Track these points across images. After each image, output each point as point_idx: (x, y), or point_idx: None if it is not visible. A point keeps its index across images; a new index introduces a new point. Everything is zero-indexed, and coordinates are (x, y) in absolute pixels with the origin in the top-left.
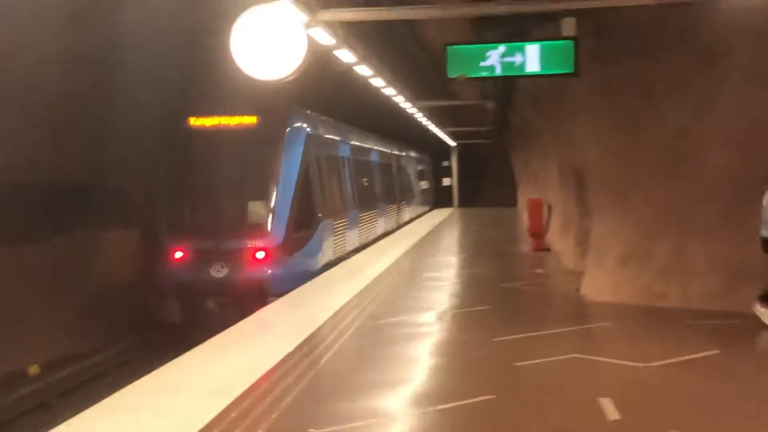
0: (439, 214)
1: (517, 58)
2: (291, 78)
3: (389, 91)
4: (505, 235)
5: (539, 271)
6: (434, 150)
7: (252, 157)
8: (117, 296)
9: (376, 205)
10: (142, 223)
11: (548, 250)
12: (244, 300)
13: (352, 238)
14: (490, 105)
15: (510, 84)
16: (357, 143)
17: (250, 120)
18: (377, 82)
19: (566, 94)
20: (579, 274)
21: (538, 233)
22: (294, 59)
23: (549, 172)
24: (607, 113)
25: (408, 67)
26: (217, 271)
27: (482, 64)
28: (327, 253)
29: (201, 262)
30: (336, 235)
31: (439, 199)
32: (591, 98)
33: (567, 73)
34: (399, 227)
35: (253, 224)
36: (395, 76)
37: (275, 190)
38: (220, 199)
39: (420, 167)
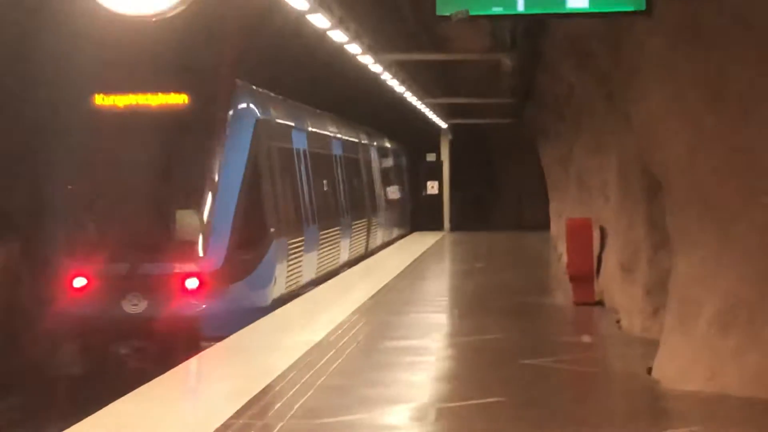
0: (420, 241)
1: None
2: (175, 11)
3: (337, 37)
4: (528, 278)
5: (585, 338)
6: (413, 136)
7: (181, 150)
8: None
9: (340, 221)
10: (24, 239)
11: (600, 303)
12: (169, 344)
13: (310, 266)
14: (507, 62)
15: (539, 28)
16: (316, 129)
17: (179, 99)
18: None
19: (632, 45)
20: (651, 344)
21: (583, 275)
22: None
23: (602, 176)
24: (701, 79)
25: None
26: (133, 305)
27: None
28: (279, 284)
29: (110, 292)
30: (291, 261)
31: (419, 216)
32: (673, 53)
33: (633, 11)
34: (367, 255)
35: (183, 241)
36: (349, 14)
37: (213, 194)
38: (136, 206)
39: (387, 163)
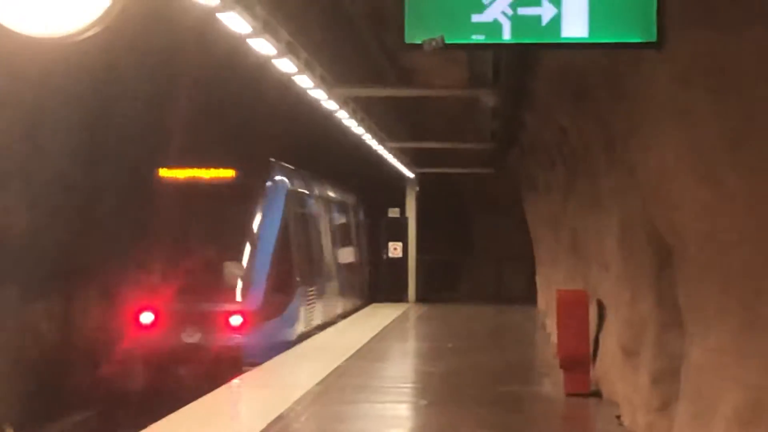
0: (380, 314)
1: (545, 11)
2: (86, 34)
3: (284, 66)
4: (510, 362)
5: None
6: (373, 187)
7: (229, 214)
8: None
9: (329, 275)
10: (100, 282)
11: (597, 394)
12: (216, 368)
13: (319, 311)
14: (487, 100)
15: (527, 60)
16: (318, 193)
17: (227, 173)
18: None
19: (638, 83)
20: None
21: (576, 360)
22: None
23: (601, 239)
24: (722, 125)
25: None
26: (189, 336)
27: (476, 18)
28: (302, 323)
29: (171, 325)
30: (308, 305)
31: (378, 284)
32: (687, 93)
33: (641, 43)
34: (340, 316)
35: (229, 286)
36: (299, 41)
37: (253, 249)
38: (193, 257)
39: (344, 218)
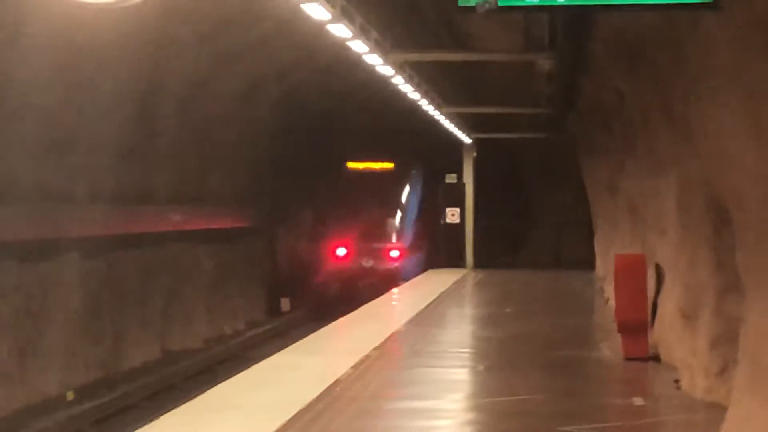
0: (437, 280)
1: None
2: (134, 1)
3: (338, 32)
4: (568, 327)
5: (637, 401)
6: (429, 153)
7: (390, 190)
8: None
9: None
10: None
11: (655, 358)
12: (382, 282)
13: (427, 256)
14: (543, 64)
15: (583, 24)
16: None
17: (389, 165)
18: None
19: (696, 45)
20: (717, 409)
21: (635, 324)
22: None
23: (659, 203)
24: None
25: None
26: (366, 262)
27: None
28: (423, 262)
29: (355, 256)
30: (423, 251)
31: (433, 251)
32: (746, 54)
33: (697, 4)
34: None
35: (390, 233)
36: (353, 5)
37: (404, 212)
38: (370, 215)
39: (428, 188)
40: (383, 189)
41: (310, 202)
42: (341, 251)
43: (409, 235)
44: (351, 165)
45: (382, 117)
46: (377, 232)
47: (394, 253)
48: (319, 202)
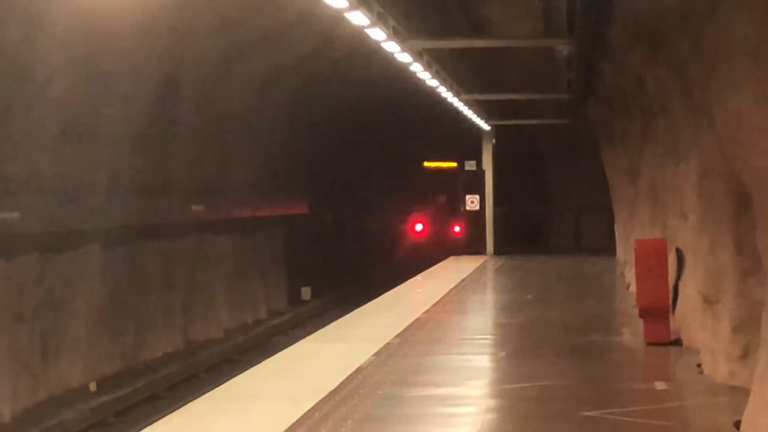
0: (458, 267)
1: None
2: None
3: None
4: (590, 313)
5: (659, 385)
6: (449, 139)
7: (453, 184)
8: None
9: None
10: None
11: (677, 342)
12: (448, 248)
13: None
14: (562, 50)
15: (602, 8)
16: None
17: (453, 164)
18: None
19: (716, 27)
20: (739, 393)
21: (656, 309)
22: None
23: (679, 188)
24: None
25: None
26: (437, 234)
27: None
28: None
29: (430, 230)
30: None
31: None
32: (764, 36)
33: None
34: None
35: (454, 215)
36: None
37: (462, 198)
38: (438, 202)
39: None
40: (448, 181)
41: (391, 192)
42: (419, 227)
43: (465, 219)
44: (426, 164)
45: (447, 124)
46: (445, 214)
47: (456, 229)
48: (402, 191)
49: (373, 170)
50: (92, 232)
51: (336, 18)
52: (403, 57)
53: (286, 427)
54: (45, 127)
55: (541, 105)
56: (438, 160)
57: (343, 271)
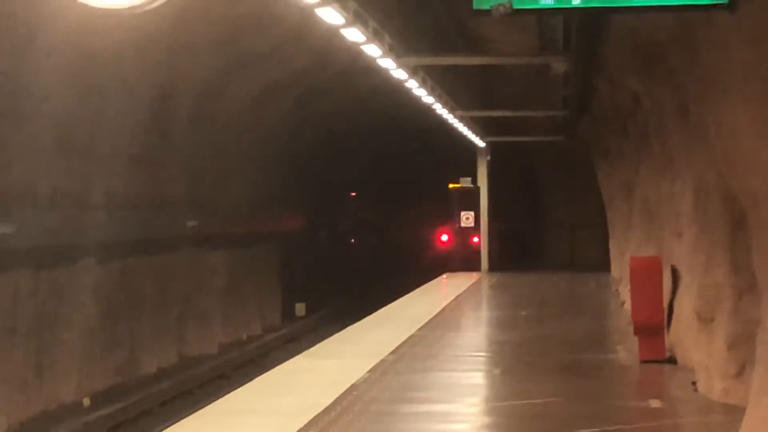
0: (452, 284)
1: None
2: (153, 5)
3: (352, 36)
4: (584, 330)
5: (653, 403)
6: (443, 156)
7: (469, 201)
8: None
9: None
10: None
11: (671, 360)
12: (469, 256)
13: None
14: (558, 67)
15: (598, 26)
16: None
17: (469, 183)
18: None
19: (712, 45)
20: (734, 411)
21: (651, 326)
22: None
23: (674, 205)
24: None
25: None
26: (460, 244)
27: None
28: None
29: (455, 240)
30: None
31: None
32: (759, 53)
33: (712, 5)
34: None
35: (473, 227)
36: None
37: (476, 215)
38: (460, 216)
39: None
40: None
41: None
42: (444, 237)
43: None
44: (451, 185)
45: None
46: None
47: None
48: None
49: (369, 185)
50: (87, 246)
51: (331, 34)
52: (398, 74)
53: None
54: (40, 141)
55: (537, 122)
56: (458, 182)
57: (340, 287)
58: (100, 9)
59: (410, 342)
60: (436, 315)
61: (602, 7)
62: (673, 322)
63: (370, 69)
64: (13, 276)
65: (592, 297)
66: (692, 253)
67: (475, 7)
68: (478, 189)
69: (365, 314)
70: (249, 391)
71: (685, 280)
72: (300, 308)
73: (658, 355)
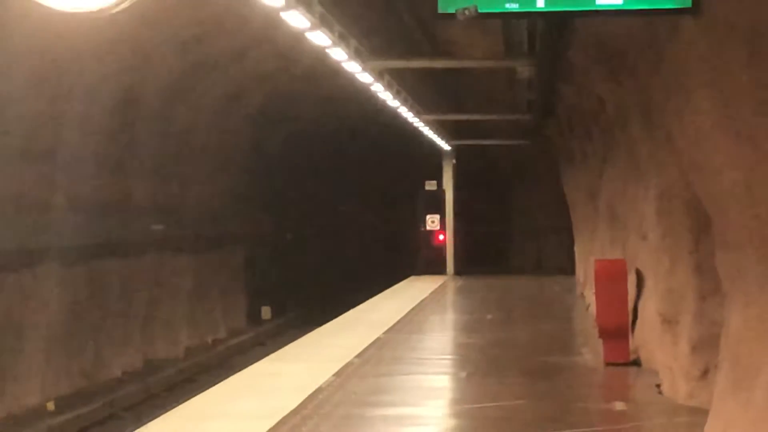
0: (418, 287)
1: None
2: (120, 7)
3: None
4: (550, 333)
5: (618, 406)
6: (408, 159)
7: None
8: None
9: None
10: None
11: (636, 363)
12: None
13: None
14: (523, 70)
15: (562, 30)
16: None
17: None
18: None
19: (677, 49)
20: (698, 414)
21: (615, 329)
22: None
23: (639, 208)
24: (758, 88)
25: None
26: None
27: None
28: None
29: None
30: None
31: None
32: (722, 56)
33: (676, 9)
34: None
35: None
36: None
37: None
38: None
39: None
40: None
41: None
42: (441, 237)
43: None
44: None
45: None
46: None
47: (441, 237)
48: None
49: (339, 189)
50: (50, 250)
51: (297, 38)
52: (365, 77)
53: None
54: (2, 145)
55: (502, 125)
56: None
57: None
58: (68, 12)
59: (376, 345)
60: (402, 318)
61: (567, 11)
62: (638, 324)
63: (336, 72)
64: None
65: (557, 300)
66: (656, 256)
67: (439, 10)
68: (443, 192)
69: (331, 317)
70: (214, 395)
71: (649, 283)
72: (266, 311)
73: (623, 358)
